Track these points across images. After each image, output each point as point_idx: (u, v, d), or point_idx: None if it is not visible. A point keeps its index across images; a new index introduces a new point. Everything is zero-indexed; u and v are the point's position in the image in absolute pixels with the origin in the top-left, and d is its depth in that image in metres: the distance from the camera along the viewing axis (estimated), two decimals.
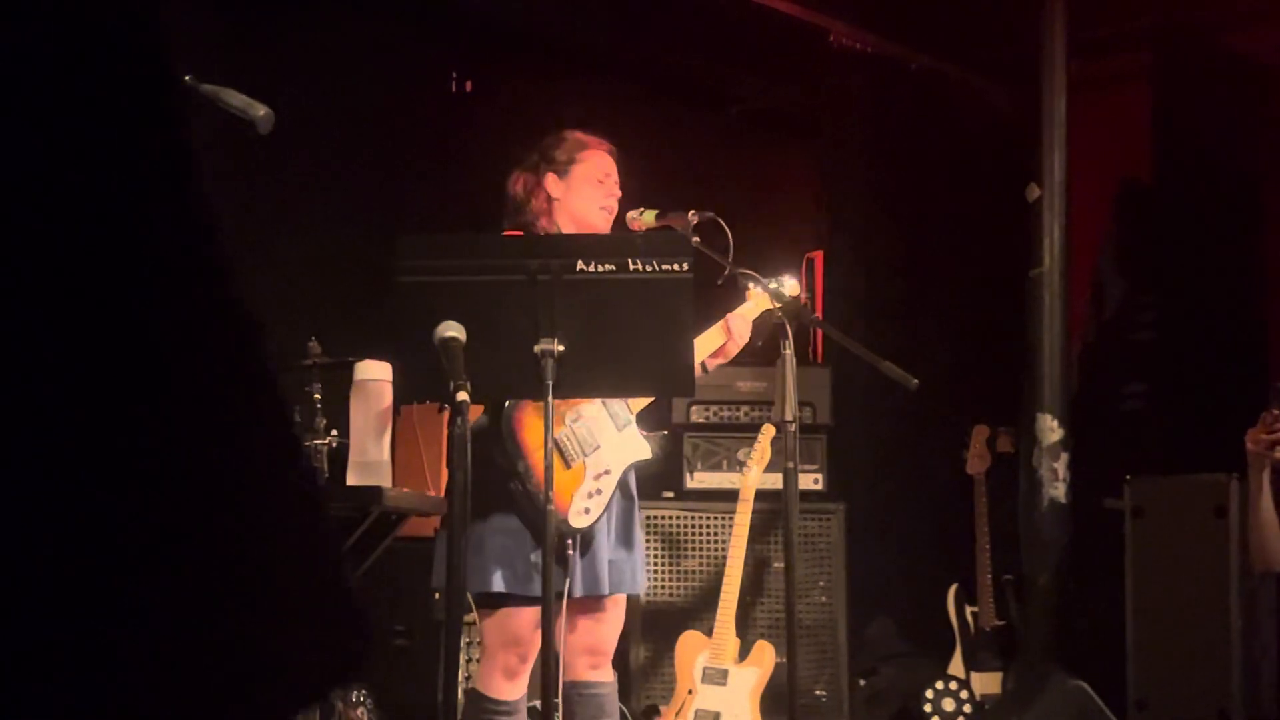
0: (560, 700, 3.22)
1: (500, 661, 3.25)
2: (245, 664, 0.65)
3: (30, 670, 0.59)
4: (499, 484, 3.13)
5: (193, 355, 0.67)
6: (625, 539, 3.35)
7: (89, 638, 0.60)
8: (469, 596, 3.31)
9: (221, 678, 0.64)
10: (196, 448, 0.66)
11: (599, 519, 3.24)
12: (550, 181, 3.39)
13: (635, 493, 3.41)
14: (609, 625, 3.39)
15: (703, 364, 3.45)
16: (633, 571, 3.36)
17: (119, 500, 0.62)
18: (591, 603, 3.30)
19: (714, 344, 3.46)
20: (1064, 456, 5.22)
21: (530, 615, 3.13)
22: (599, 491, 3.24)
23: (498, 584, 3.14)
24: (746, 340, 3.48)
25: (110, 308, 0.63)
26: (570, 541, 3.18)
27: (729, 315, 3.47)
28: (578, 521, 3.19)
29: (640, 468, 3.40)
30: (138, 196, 0.66)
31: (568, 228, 3.38)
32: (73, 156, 0.63)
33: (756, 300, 3.52)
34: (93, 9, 0.65)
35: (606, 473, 3.27)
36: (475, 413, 2.73)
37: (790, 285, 3.55)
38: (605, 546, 3.28)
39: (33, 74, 0.63)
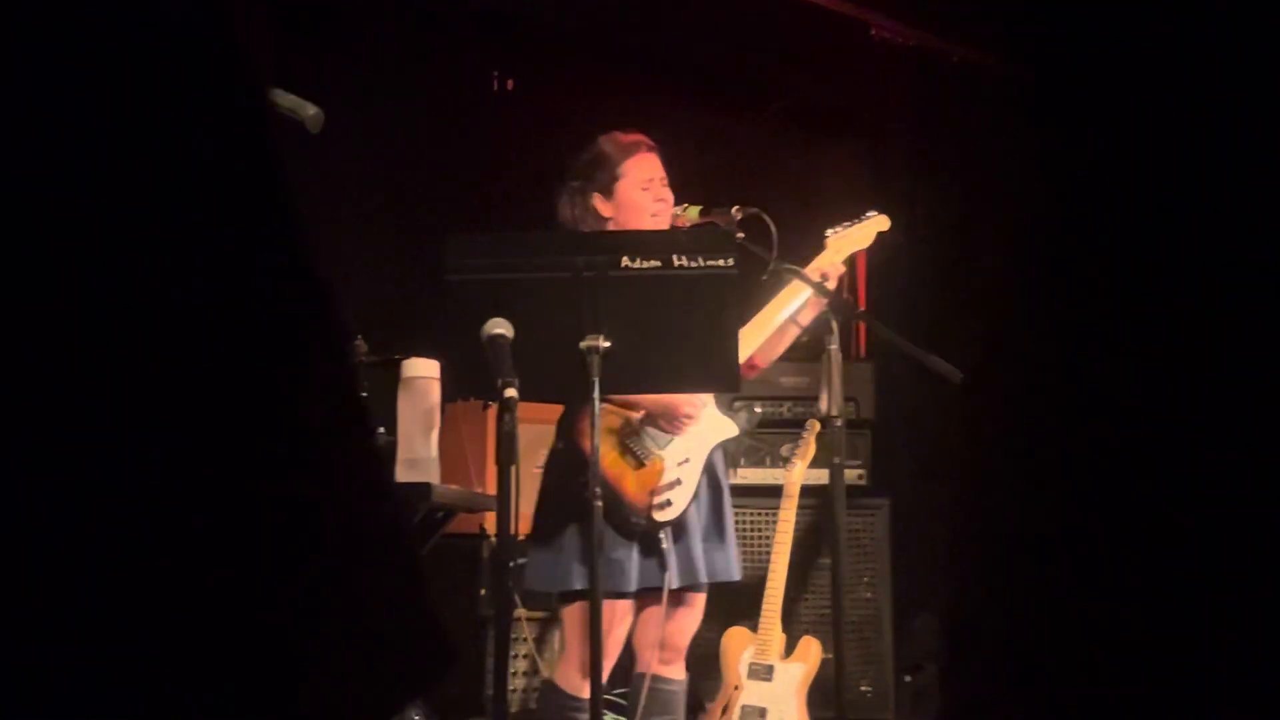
0: (624, 691, 3.24)
1: (580, 657, 3.26)
2: (324, 677, 0.66)
3: (111, 666, 0.60)
4: (576, 488, 3.15)
5: (285, 360, 0.68)
6: (717, 527, 3.36)
7: (175, 641, 0.61)
8: (549, 595, 3.34)
9: (304, 690, 0.65)
10: (288, 471, 0.66)
11: (688, 508, 3.25)
12: (598, 202, 3.39)
13: (724, 480, 3.41)
14: (688, 621, 3.41)
15: (796, 320, 3.43)
16: (726, 560, 3.36)
17: (205, 512, 0.63)
18: (674, 597, 3.31)
19: (798, 296, 3.44)
20: None
21: (610, 611, 3.14)
22: (680, 482, 3.25)
23: (578, 581, 3.16)
24: (837, 276, 3.47)
25: (194, 310, 0.64)
26: (663, 534, 3.20)
27: (819, 261, 3.47)
28: (660, 516, 3.21)
29: (728, 445, 3.40)
30: (227, 199, 0.67)
31: None
32: (157, 160, 0.64)
33: (836, 247, 3.53)
34: (175, 17, 0.66)
35: (687, 460, 3.28)
36: (523, 409, 2.75)
37: (880, 219, 3.59)
38: (698, 536, 3.29)
39: (115, 82, 0.64)
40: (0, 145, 0.60)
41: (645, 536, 3.21)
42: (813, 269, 3.47)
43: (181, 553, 0.61)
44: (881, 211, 3.66)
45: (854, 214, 3.67)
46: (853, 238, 3.59)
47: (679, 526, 3.25)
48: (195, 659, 0.61)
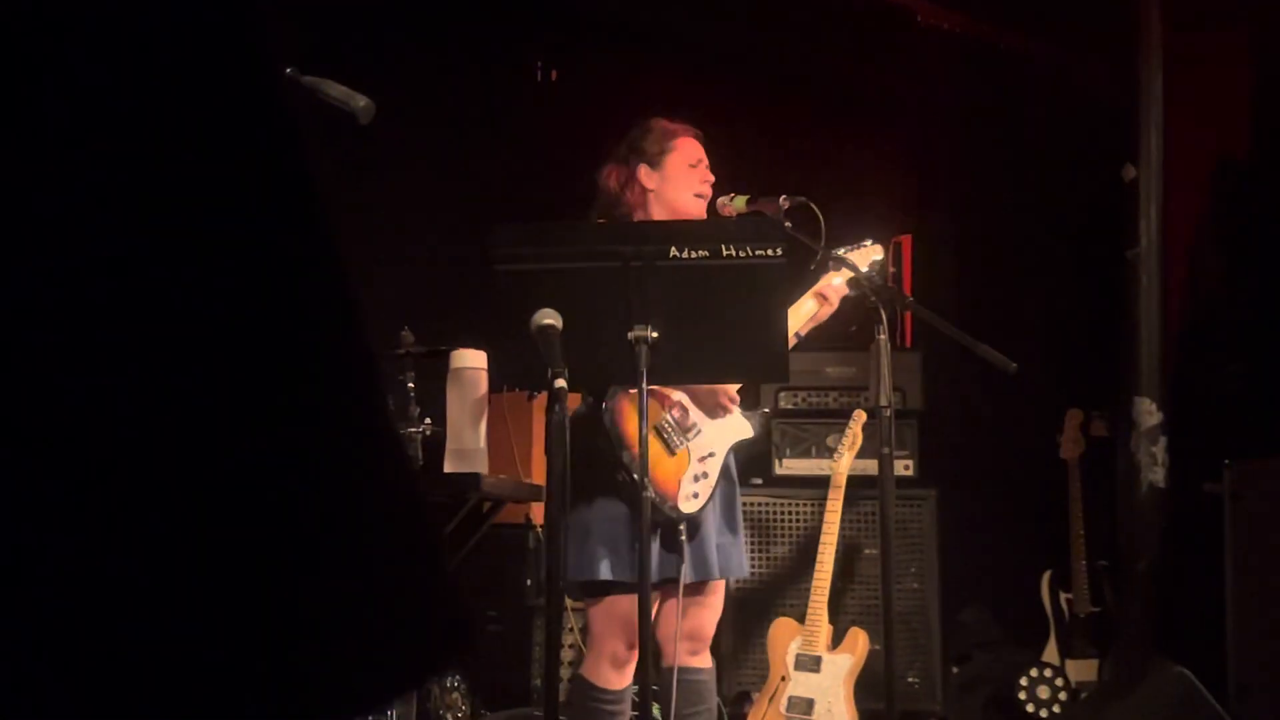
0: (657, 686, 3.24)
1: (608, 649, 3.26)
2: (343, 649, 0.66)
3: (128, 645, 0.60)
4: (604, 473, 3.14)
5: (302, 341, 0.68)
6: (730, 522, 3.36)
7: (187, 620, 0.61)
8: (576, 585, 3.33)
9: (319, 663, 0.65)
10: (292, 430, 0.66)
11: (707, 503, 3.25)
12: (644, 173, 3.39)
13: (736, 475, 3.41)
14: (710, 611, 3.40)
15: (797, 333, 3.46)
16: (739, 556, 3.37)
17: (214, 481, 0.62)
18: (693, 588, 3.31)
19: (809, 312, 3.47)
20: (1162, 440, 5.12)
21: (634, 602, 3.12)
22: (705, 475, 3.25)
23: (604, 571, 3.16)
24: (837, 304, 3.49)
25: (221, 300, 0.64)
26: (681, 527, 3.19)
27: (822, 282, 3.48)
28: (687, 506, 3.20)
29: (741, 448, 3.40)
30: (248, 188, 0.67)
31: (664, 217, 3.38)
32: (182, 152, 0.64)
33: (836, 266, 3.55)
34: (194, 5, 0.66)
35: (711, 455, 3.28)
36: (572, 401, 2.74)
37: (875, 248, 3.61)
38: (713, 530, 3.29)
39: (135, 72, 0.64)
40: (11, 138, 0.60)
41: (665, 528, 3.20)
42: (821, 284, 3.49)
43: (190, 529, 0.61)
44: (927, 199, 3.65)
45: (881, 230, 3.70)
46: (854, 259, 3.57)
47: (695, 520, 3.25)
48: (202, 637, 0.61)
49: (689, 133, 3.46)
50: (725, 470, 3.35)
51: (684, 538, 3.19)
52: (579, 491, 3.18)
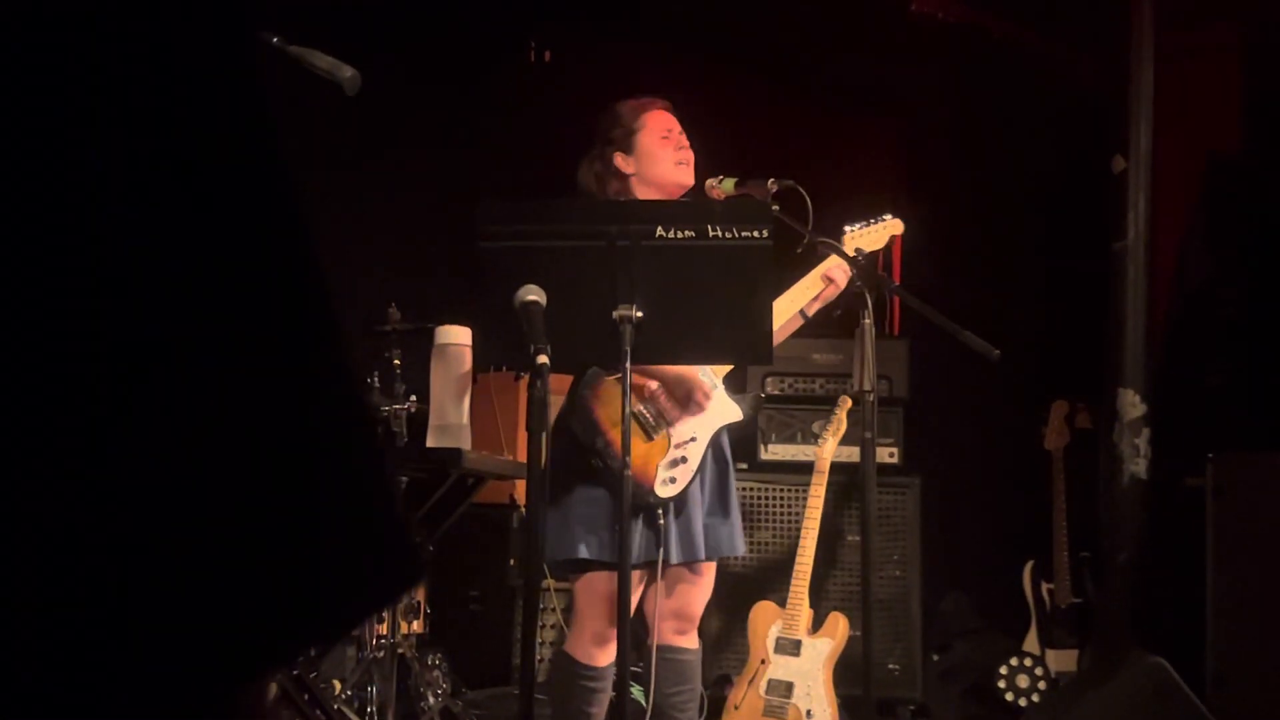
0: (638, 669, 3.24)
1: (590, 627, 3.26)
2: (290, 582, 0.66)
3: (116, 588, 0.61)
4: (581, 457, 3.15)
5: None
6: (721, 503, 3.35)
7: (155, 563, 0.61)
8: (558, 564, 3.33)
9: (267, 596, 0.65)
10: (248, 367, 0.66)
11: (689, 485, 3.24)
12: (619, 160, 3.38)
13: (730, 456, 3.41)
14: (698, 592, 3.40)
15: (802, 311, 3.45)
16: (730, 535, 3.35)
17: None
18: (682, 569, 3.31)
19: (812, 291, 3.46)
20: (1145, 433, 5.14)
21: (615, 581, 3.12)
22: (684, 460, 3.24)
23: (582, 551, 3.16)
24: (845, 284, 3.48)
25: (184, 270, 0.64)
26: (661, 510, 3.19)
27: (827, 263, 3.47)
28: (663, 491, 3.20)
29: (732, 430, 3.39)
30: (217, 156, 0.67)
31: (652, 196, 3.37)
32: (155, 120, 0.64)
33: (852, 244, 3.55)
34: None
35: (692, 440, 3.27)
36: (554, 380, 2.74)
37: (894, 223, 3.61)
38: (699, 512, 3.28)
39: (109, 37, 0.64)
40: None
41: (647, 510, 3.20)
42: (828, 265, 3.47)
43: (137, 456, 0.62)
44: (916, 188, 3.66)
45: (874, 213, 3.68)
46: (868, 237, 3.59)
47: (681, 502, 3.24)
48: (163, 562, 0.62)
49: (655, 105, 3.44)
50: (716, 451, 3.35)
51: (663, 520, 3.19)
52: (558, 474, 3.18)
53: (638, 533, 3.17)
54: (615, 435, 3.08)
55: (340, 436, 0.70)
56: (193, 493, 0.62)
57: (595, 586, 3.23)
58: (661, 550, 3.18)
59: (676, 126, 3.42)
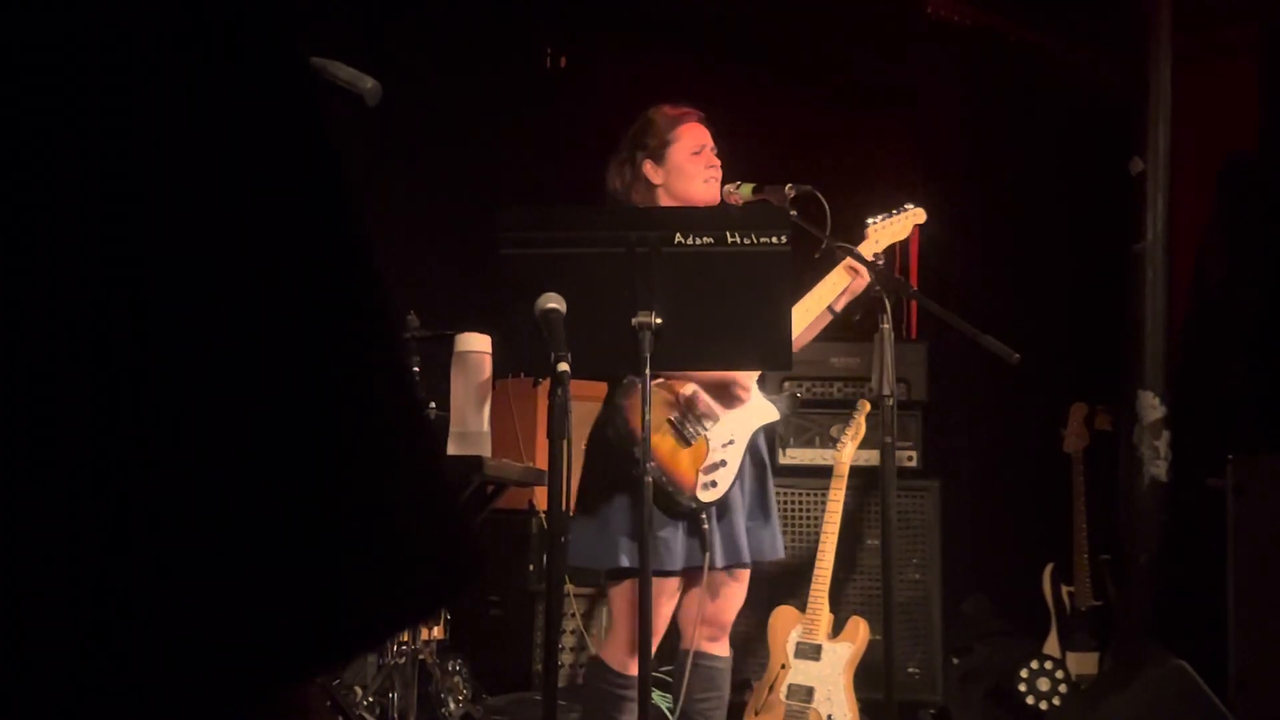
0: (668, 674, 3.24)
1: (627, 635, 3.25)
2: (342, 583, 0.66)
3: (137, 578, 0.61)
4: (619, 465, 3.14)
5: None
6: (761, 506, 3.35)
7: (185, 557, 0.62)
8: (598, 573, 3.33)
9: (316, 596, 0.65)
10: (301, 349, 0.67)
11: (731, 489, 3.24)
12: (649, 169, 3.38)
13: (767, 458, 3.40)
14: (732, 599, 3.39)
15: (830, 307, 3.44)
16: (772, 538, 3.35)
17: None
18: (722, 574, 3.31)
19: (837, 289, 3.45)
20: (1165, 434, 5.13)
21: (657, 589, 3.12)
22: (724, 463, 3.24)
23: (624, 560, 3.15)
24: (870, 276, 3.46)
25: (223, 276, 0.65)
26: (704, 515, 3.19)
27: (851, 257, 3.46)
28: (705, 496, 3.19)
29: (769, 430, 3.39)
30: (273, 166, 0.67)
31: None
32: (196, 129, 0.65)
33: (876, 237, 3.54)
34: None
35: (731, 442, 3.26)
36: (574, 387, 2.74)
37: (917, 212, 3.60)
38: (741, 515, 3.28)
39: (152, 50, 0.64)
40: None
41: (690, 516, 3.20)
42: (850, 260, 3.46)
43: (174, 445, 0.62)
44: (934, 191, 3.65)
45: (894, 205, 3.67)
46: (892, 229, 3.59)
47: (723, 506, 3.24)
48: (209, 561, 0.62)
49: (692, 118, 3.44)
50: (754, 454, 3.34)
51: (707, 525, 3.19)
52: (597, 483, 3.18)
53: (681, 539, 3.18)
54: (652, 442, 3.08)
55: (399, 436, 0.70)
56: (242, 493, 0.63)
57: (635, 594, 3.23)
58: (707, 555, 3.18)
59: (709, 142, 3.41)
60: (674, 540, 3.18)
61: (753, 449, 3.32)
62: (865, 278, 3.45)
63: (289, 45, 0.70)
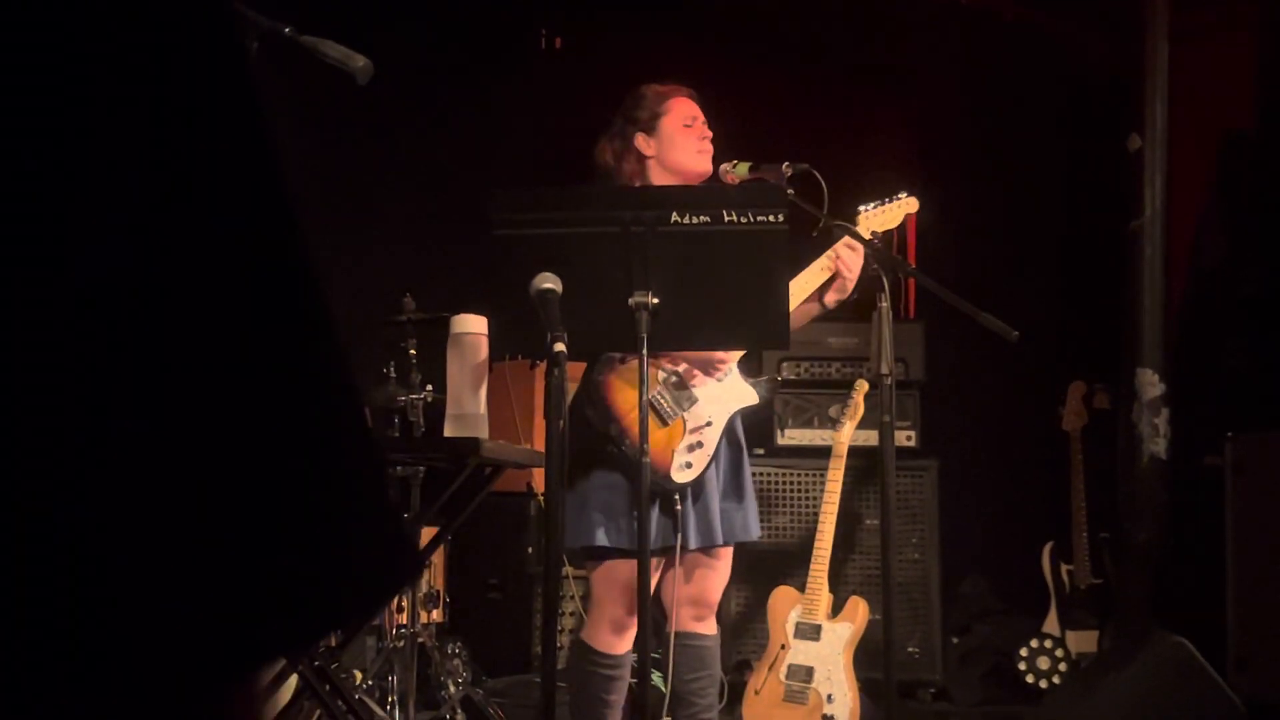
0: (658, 655, 3.24)
1: (608, 614, 3.26)
2: (287, 580, 0.65)
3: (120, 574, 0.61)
4: (597, 443, 3.14)
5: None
6: (736, 488, 3.34)
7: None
8: (576, 551, 3.33)
9: (254, 592, 0.64)
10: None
11: (706, 470, 3.23)
12: (640, 141, 3.37)
13: (744, 441, 3.39)
14: (716, 577, 3.39)
15: (822, 302, 3.42)
16: (744, 520, 3.34)
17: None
18: (700, 555, 3.30)
19: (821, 276, 3.43)
20: (1165, 412, 5.12)
21: (633, 568, 3.12)
22: (700, 445, 3.23)
23: (600, 538, 3.16)
24: (858, 271, 3.43)
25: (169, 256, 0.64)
26: (678, 495, 3.18)
27: (835, 246, 3.43)
28: (680, 477, 3.19)
29: (746, 414, 3.38)
30: (198, 134, 0.67)
31: (668, 182, 3.36)
32: (138, 102, 0.64)
33: (866, 224, 3.53)
34: None
35: (708, 424, 3.26)
36: (570, 369, 2.73)
37: (909, 201, 3.59)
38: (716, 497, 3.28)
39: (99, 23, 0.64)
40: None
41: (664, 496, 3.19)
42: (838, 248, 3.44)
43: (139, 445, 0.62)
44: (931, 169, 3.64)
45: (890, 188, 3.66)
46: (883, 217, 3.57)
47: (697, 487, 3.23)
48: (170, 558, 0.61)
49: (681, 92, 3.44)
50: (730, 436, 3.34)
51: (680, 506, 3.18)
52: (576, 461, 3.17)
53: (655, 519, 3.16)
54: (630, 421, 3.07)
55: (334, 429, 0.70)
56: (186, 488, 0.62)
57: (613, 574, 3.23)
58: (679, 536, 3.17)
59: (700, 115, 3.41)
60: (649, 520, 3.17)
61: (729, 430, 3.32)
62: (850, 275, 3.41)
63: (239, 66, 0.69)
